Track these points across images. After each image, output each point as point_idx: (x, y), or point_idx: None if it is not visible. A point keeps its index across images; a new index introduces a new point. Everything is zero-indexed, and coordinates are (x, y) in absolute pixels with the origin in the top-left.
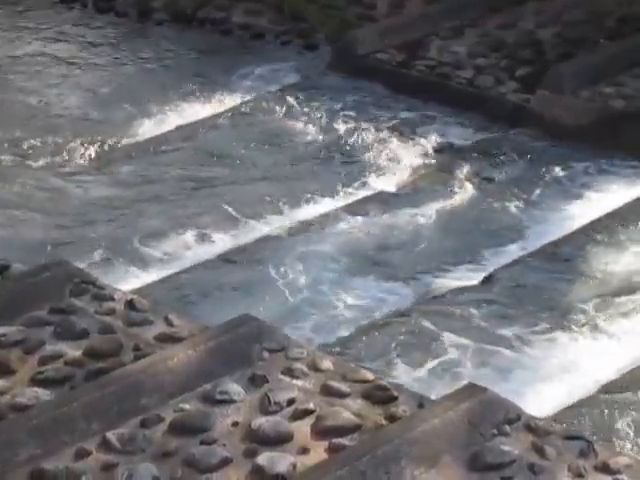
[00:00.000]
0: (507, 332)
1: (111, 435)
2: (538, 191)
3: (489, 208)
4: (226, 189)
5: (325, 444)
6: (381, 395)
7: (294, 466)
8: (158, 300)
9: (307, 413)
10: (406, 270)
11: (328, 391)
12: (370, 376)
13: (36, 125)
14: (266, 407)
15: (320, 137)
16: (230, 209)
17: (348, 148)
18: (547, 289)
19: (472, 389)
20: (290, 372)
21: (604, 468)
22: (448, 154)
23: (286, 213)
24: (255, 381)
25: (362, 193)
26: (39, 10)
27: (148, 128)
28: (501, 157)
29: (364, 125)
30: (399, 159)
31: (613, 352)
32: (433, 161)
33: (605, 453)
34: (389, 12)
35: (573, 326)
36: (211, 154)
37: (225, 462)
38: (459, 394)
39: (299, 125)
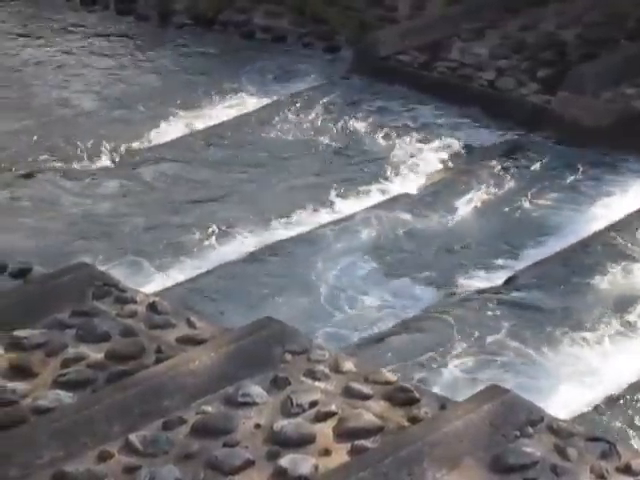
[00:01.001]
0: (530, 333)
1: (133, 437)
2: (559, 192)
3: (511, 210)
4: (250, 191)
5: (347, 446)
6: (403, 397)
7: (316, 468)
8: (181, 302)
9: (329, 415)
10: (429, 271)
11: (350, 393)
12: (392, 378)
13: (58, 127)
14: (288, 409)
15: (342, 139)
16: (255, 210)
17: (370, 150)
18: (570, 290)
19: (494, 390)
20: (312, 374)
21: (626, 469)
22: (470, 156)
23: (310, 215)
24: (277, 383)
25: (384, 195)
26: (60, 12)
27: (170, 131)
28: (522, 158)
29: (386, 127)
30: (421, 161)
31: (635, 354)
32: (455, 163)
33: (627, 454)
34: (410, 14)
35: (596, 328)
36: (235, 156)
37: (247, 464)
38: (481, 395)
39: (321, 127)
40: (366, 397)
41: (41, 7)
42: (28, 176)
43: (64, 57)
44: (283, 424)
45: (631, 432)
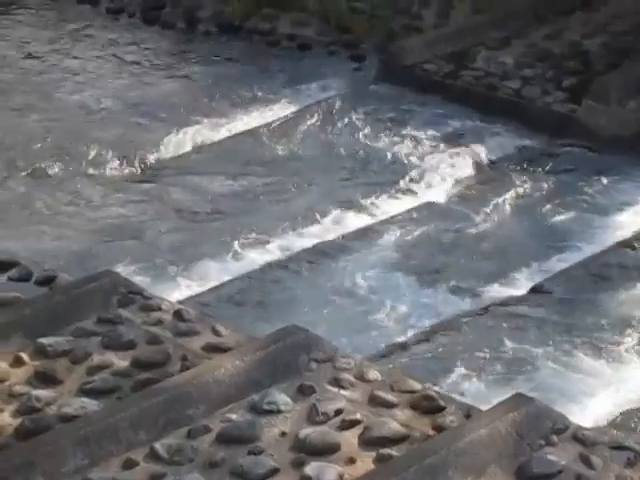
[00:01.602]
0: (556, 342)
1: (158, 445)
2: (584, 201)
3: (537, 218)
4: (274, 199)
5: (372, 454)
6: (429, 405)
7: (341, 476)
8: (206, 310)
9: (354, 423)
10: (455, 279)
11: (375, 401)
12: (418, 386)
13: (81, 135)
14: (313, 417)
15: (368, 148)
16: (280, 219)
17: (395, 159)
18: (596, 299)
19: (520, 399)
20: (337, 382)
21: None
22: (495, 164)
23: (336, 224)
24: (302, 391)
25: (411, 204)
26: (85, 20)
27: (195, 139)
28: (547, 167)
29: (411, 136)
30: (447, 170)
31: None
32: (480, 171)
33: None
34: (436, 23)
35: (622, 337)
36: (259, 165)
37: (272, 472)
38: (507, 404)
39: (346, 136)
40: (391, 405)
41: (66, 14)
42: (52, 183)
43: (88, 64)
44: (308, 432)
45: None
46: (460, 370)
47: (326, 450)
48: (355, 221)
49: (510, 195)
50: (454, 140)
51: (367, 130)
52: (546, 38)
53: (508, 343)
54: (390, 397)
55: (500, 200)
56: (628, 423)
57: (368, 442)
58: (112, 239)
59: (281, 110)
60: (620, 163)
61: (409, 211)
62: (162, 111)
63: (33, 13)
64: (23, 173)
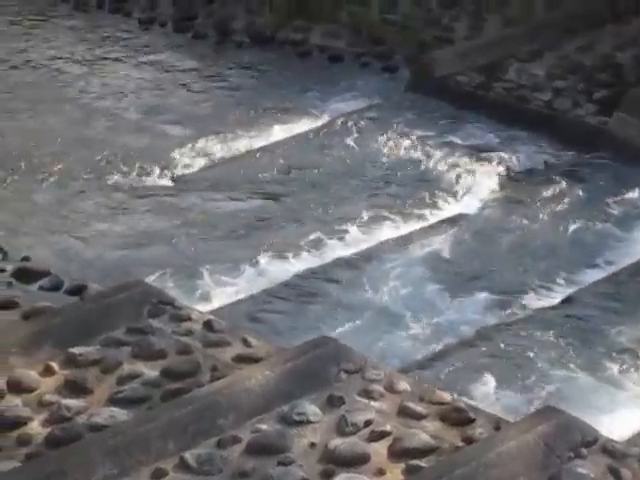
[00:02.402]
0: (586, 354)
1: (188, 455)
2: (616, 213)
3: (568, 230)
4: (304, 209)
5: (402, 466)
6: (458, 417)
7: None
8: (237, 320)
9: (384, 435)
10: (487, 290)
11: (405, 413)
12: (447, 397)
13: (113, 145)
14: (343, 428)
15: (399, 158)
16: (310, 229)
17: (427, 170)
18: (627, 311)
19: (549, 411)
20: (367, 393)
21: None
22: (526, 176)
23: (367, 233)
24: (332, 402)
25: (441, 215)
26: (117, 30)
27: (226, 148)
28: (579, 179)
29: (442, 147)
30: (479, 181)
31: None
32: (511, 183)
33: None
34: (468, 34)
35: None
36: (290, 175)
37: None
38: (536, 416)
39: (377, 147)
40: (421, 417)
41: (98, 24)
42: (81, 192)
43: (118, 73)
44: (337, 443)
45: None
46: (490, 381)
47: (355, 461)
48: (386, 232)
49: (541, 207)
50: (485, 151)
51: (398, 141)
52: (578, 50)
53: (538, 354)
54: (419, 408)
55: (531, 211)
56: None
57: (397, 453)
58: (142, 249)
59: (312, 121)
60: None
61: (440, 222)
62: (192, 121)
63: (65, 24)
64: (53, 183)
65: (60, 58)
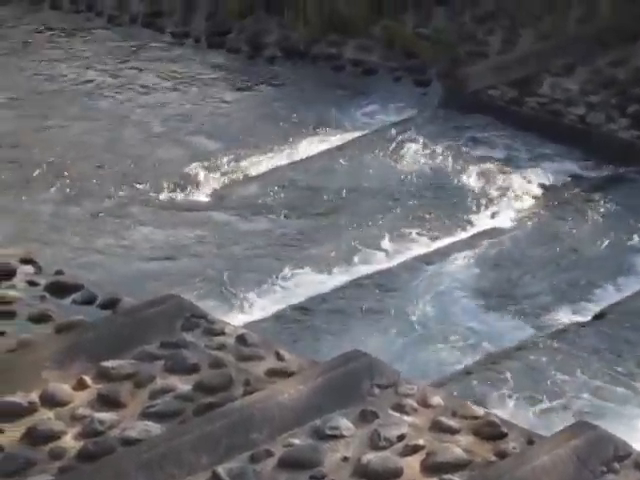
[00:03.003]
0: (618, 370)
1: (221, 469)
2: None
3: (600, 246)
4: (336, 225)
5: None
6: (491, 431)
7: None
8: (270, 334)
9: (417, 449)
10: (520, 304)
11: (438, 427)
12: (480, 412)
13: (145, 158)
14: (376, 443)
15: (432, 173)
16: (345, 243)
17: (460, 184)
18: None
19: (582, 426)
20: (400, 408)
21: None
22: (559, 190)
23: (397, 249)
24: (365, 417)
25: (474, 229)
26: (150, 45)
27: (259, 163)
28: (612, 194)
29: (475, 161)
30: (512, 195)
31: None
32: (545, 197)
33: None
34: (501, 49)
35: None
36: (323, 189)
37: None
38: (569, 431)
39: (410, 161)
40: (454, 431)
41: (131, 38)
42: (114, 206)
43: (152, 87)
44: (370, 457)
45: None
46: (522, 396)
47: (388, 475)
48: (418, 247)
49: (574, 221)
50: (518, 165)
51: (431, 155)
52: (611, 65)
53: (571, 369)
54: (452, 423)
55: (564, 226)
56: None
57: (430, 468)
58: (175, 263)
59: (345, 135)
60: None
61: (472, 237)
62: (225, 135)
63: (98, 37)
64: (85, 196)
65: (93, 70)
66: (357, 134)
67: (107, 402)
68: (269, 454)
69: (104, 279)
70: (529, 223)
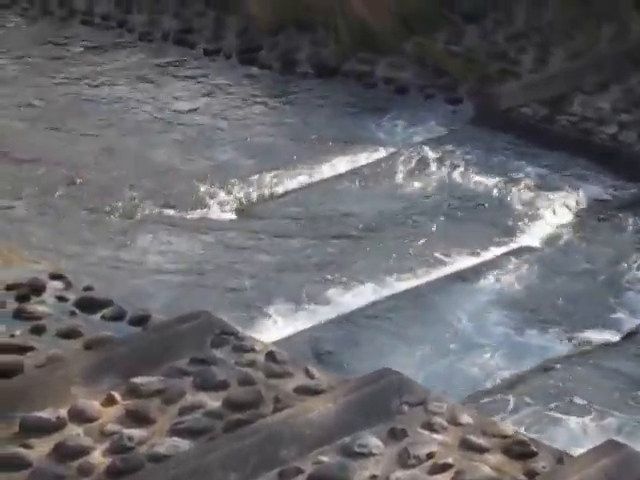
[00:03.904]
0: None
1: None
2: None
3: (633, 264)
4: (371, 241)
5: None
6: (520, 450)
7: None
8: (299, 351)
9: (446, 467)
10: (551, 323)
11: (467, 445)
12: (510, 431)
13: (176, 173)
14: (405, 461)
15: (463, 191)
16: (373, 262)
17: (491, 203)
18: None
19: (612, 445)
20: (429, 426)
21: None
22: (591, 209)
23: (430, 267)
24: (394, 434)
25: (506, 248)
26: (182, 61)
27: (289, 181)
28: None
29: (506, 180)
30: (543, 214)
31: None
32: (576, 216)
33: None
34: (533, 67)
35: None
36: (352, 208)
37: None
38: (598, 450)
39: (441, 179)
40: (483, 450)
41: (162, 54)
42: (143, 222)
43: (183, 102)
44: (399, 475)
45: None
46: (552, 415)
47: None
48: (450, 265)
49: (605, 240)
50: (549, 184)
51: (462, 173)
52: None
53: (601, 388)
54: (482, 441)
55: (594, 245)
56: None
57: None
58: (204, 280)
59: (376, 153)
60: None
61: (504, 255)
62: (255, 152)
63: (129, 53)
64: (117, 212)
65: (124, 85)
66: (387, 152)
67: (136, 418)
68: (298, 471)
69: (134, 295)
70: (560, 242)
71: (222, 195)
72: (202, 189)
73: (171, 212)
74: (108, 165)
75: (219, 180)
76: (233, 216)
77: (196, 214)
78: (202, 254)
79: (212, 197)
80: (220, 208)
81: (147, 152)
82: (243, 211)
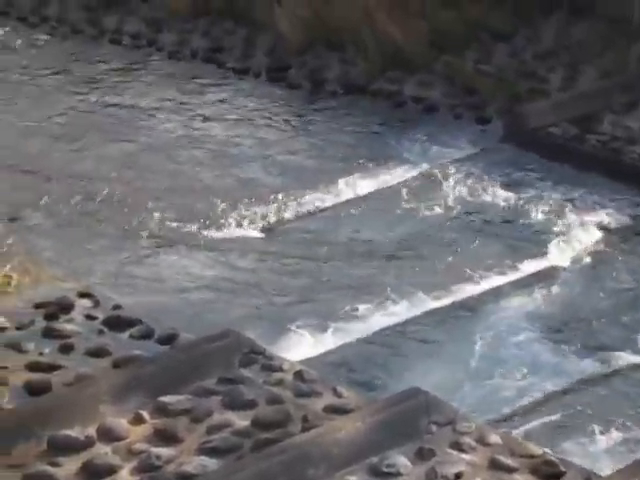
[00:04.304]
0: None
1: None
2: None
3: None
4: (398, 262)
5: None
6: (549, 470)
7: None
8: (327, 370)
9: None
10: (580, 345)
11: (495, 465)
12: (538, 451)
13: (204, 192)
14: None
15: (493, 211)
16: (402, 282)
17: (520, 222)
18: None
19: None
20: (458, 446)
21: None
22: (620, 229)
23: (459, 286)
24: (422, 454)
25: (533, 267)
26: (212, 79)
27: (318, 200)
28: None
29: (535, 199)
30: (572, 233)
31: None
32: (606, 236)
33: None
34: (562, 86)
35: None
36: (381, 227)
37: None
38: (626, 471)
39: (470, 198)
40: (511, 470)
41: (191, 73)
42: (172, 241)
43: (210, 120)
44: None
45: None
46: (580, 434)
47: None
48: (479, 284)
49: (634, 261)
50: (578, 204)
51: (491, 192)
52: None
53: (630, 409)
54: (510, 461)
55: (624, 265)
56: None
57: None
58: (233, 299)
59: (405, 172)
60: None
61: (532, 275)
62: (284, 171)
63: (159, 71)
64: (146, 231)
65: (153, 103)
66: (416, 171)
67: (164, 437)
68: None
69: (162, 314)
70: (589, 262)
71: (249, 213)
72: (229, 206)
73: (201, 230)
74: (137, 182)
75: (245, 198)
76: (259, 234)
77: (221, 232)
78: (230, 273)
79: (239, 215)
80: (245, 226)
81: (177, 169)
82: (270, 230)
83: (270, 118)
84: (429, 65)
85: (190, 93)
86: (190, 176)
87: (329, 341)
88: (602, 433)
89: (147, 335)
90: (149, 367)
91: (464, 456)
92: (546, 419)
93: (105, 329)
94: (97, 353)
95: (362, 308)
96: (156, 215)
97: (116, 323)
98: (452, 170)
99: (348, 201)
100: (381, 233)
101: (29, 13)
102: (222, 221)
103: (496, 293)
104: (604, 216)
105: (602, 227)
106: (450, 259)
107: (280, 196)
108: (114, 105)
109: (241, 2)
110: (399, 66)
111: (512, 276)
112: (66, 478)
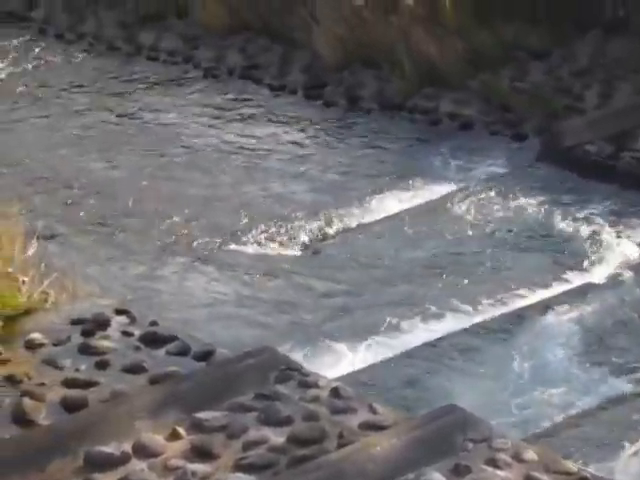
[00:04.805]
0: None
1: None
2: None
3: None
4: (435, 279)
5: None
6: None
7: None
8: (363, 387)
9: None
10: (615, 363)
11: None
12: (574, 468)
13: (239, 209)
14: None
15: (527, 228)
16: (441, 299)
17: (555, 240)
18: None
19: None
20: (493, 462)
21: None
22: None
23: (493, 304)
24: (458, 471)
25: (570, 285)
26: (247, 97)
27: (355, 217)
28: None
29: (571, 217)
30: (606, 251)
31: None
32: None
33: None
34: (598, 103)
35: None
36: (418, 243)
37: None
38: None
39: (506, 215)
40: None
41: (227, 91)
42: (206, 257)
43: (248, 138)
44: None
45: None
46: (617, 451)
47: None
48: (514, 300)
49: None
50: (615, 222)
51: (527, 210)
52: None
53: None
54: (545, 478)
55: None
56: None
57: None
58: (268, 316)
59: (441, 189)
60: None
61: (568, 292)
62: (321, 188)
63: (195, 88)
64: (181, 247)
65: (189, 120)
66: (452, 188)
67: (200, 453)
68: None
69: (198, 330)
70: (626, 280)
71: (285, 230)
72: (264, 223)
73: (236, 247)
74: (173, 200)
75: (279, 214)
76: (297, 252)
77: (259, 250)
78: (266, 290)
79: (275, 232)
80: (283, 244)
81: (212, 186)
82: (305, 247)
83: (305, 135)
84: (465, 83)
85: (225, 109)
86: (223, 191)
87: (365, 358)
88: (629, 451)
89: (183, 352)
90: (185, 383)
91: (499, 472)
92: (582, 436)
93: (141, 345)
94: (133, 370)
95: (402, 323)
96: (193, 233)
97: (152, 340)
98: (485, 187)
99: (383, 218)
100: (418, 251)
101: (66, 30)
102: (254, 237)
103: (530, 310)
104: (638, 233)
105: (636, 244)
106: (481, 276)
107: (313, 212)
108: (149, 121)
109: (277, 19)
110: (435, 83)
111: (548, 294)
112: None
